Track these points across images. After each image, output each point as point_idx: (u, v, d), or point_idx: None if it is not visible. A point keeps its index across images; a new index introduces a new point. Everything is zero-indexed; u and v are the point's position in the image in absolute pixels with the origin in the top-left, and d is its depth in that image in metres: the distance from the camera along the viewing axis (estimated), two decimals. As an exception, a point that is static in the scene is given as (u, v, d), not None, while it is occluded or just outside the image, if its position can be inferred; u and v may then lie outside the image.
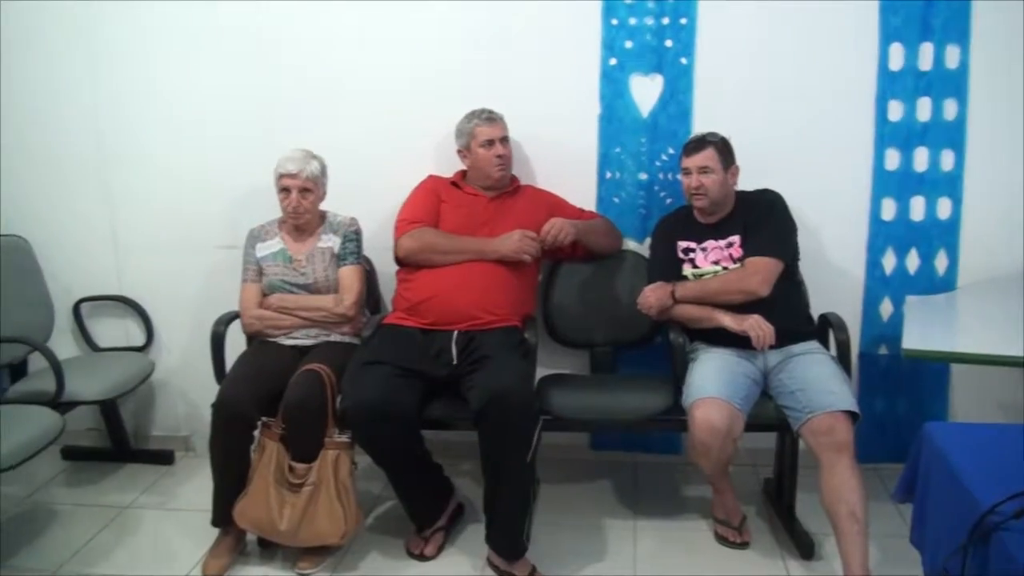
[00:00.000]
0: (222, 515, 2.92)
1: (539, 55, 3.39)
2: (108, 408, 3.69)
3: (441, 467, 3.06)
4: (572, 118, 3.42)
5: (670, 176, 3.39)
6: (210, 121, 3.60)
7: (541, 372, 3.19)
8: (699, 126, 3.29)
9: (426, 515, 3.00)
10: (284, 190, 3.11)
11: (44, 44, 3.58)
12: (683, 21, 3.29)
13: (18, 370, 3.57)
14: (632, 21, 3.31)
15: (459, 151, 3.29)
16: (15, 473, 2.85)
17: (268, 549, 3.00)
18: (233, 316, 3.25)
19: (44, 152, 3.69)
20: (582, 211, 3.37)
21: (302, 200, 3.11)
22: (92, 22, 3.55)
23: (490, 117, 3.23)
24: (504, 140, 3.23)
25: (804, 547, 2.94)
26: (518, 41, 3.39)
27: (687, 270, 3.09)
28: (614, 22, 3.32)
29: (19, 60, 3.61)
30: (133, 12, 3.52)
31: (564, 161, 3.47)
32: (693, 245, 3.09)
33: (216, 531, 2.99)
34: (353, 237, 3.22)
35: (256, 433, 2.92)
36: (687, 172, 3.04)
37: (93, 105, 3.61)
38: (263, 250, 3.20)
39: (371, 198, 3.43)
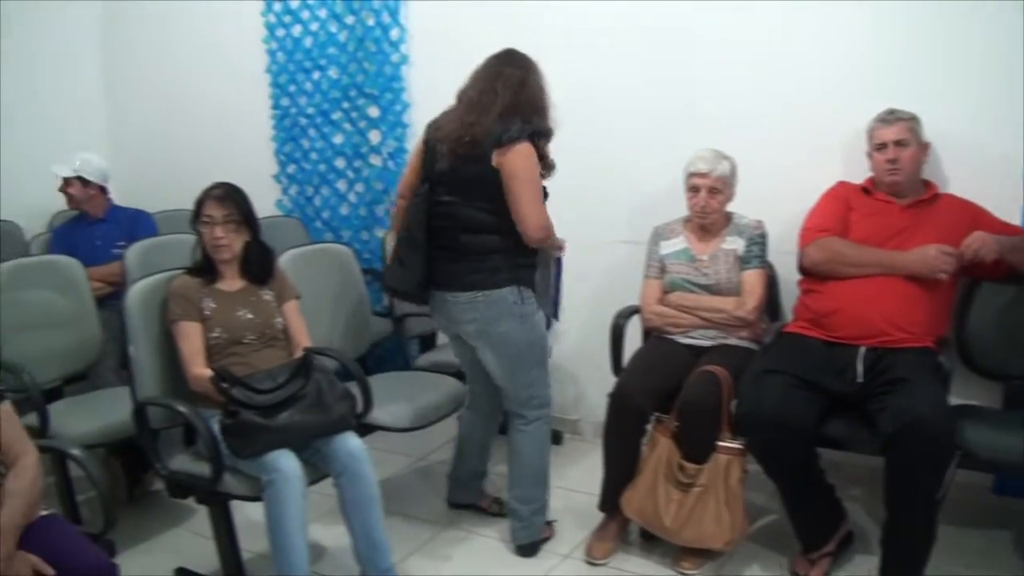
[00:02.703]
0: (610, 501, 3.00)
1: (952, 47, 3.10)
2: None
3: (834, 488, 2.91)
4: (992, 117, 3.07)
5: None
6: (620, 120, 3.69)
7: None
8: None
9: (815, 536, 2.85)
10: (693, 189, 3.12)
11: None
12: None
13: (427, 341, 3.90)
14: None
15: (867, 154, 3.11)
16: (418, 435, 3.12)
17: (650, 541, 3.03)
18: (633, 310, 3.31)
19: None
20: (1006, 225, 3.01)
21: (710, 200, 3.10)
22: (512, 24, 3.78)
23: (887, 118, 3.01)
24: (900, 143, 2.98)
25: None
26: (929, 34, 3.13)
27: None
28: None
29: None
30: (559, 11, 3.69)
31: (983, 166, 3.13)
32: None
33: (601, 515, 3.07)
34: (759, 240, 3.15)
35: (649, 427, 2.95)
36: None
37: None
38: (667, 248, 3.22)
39: (776, 201, 3.31)
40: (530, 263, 2.90)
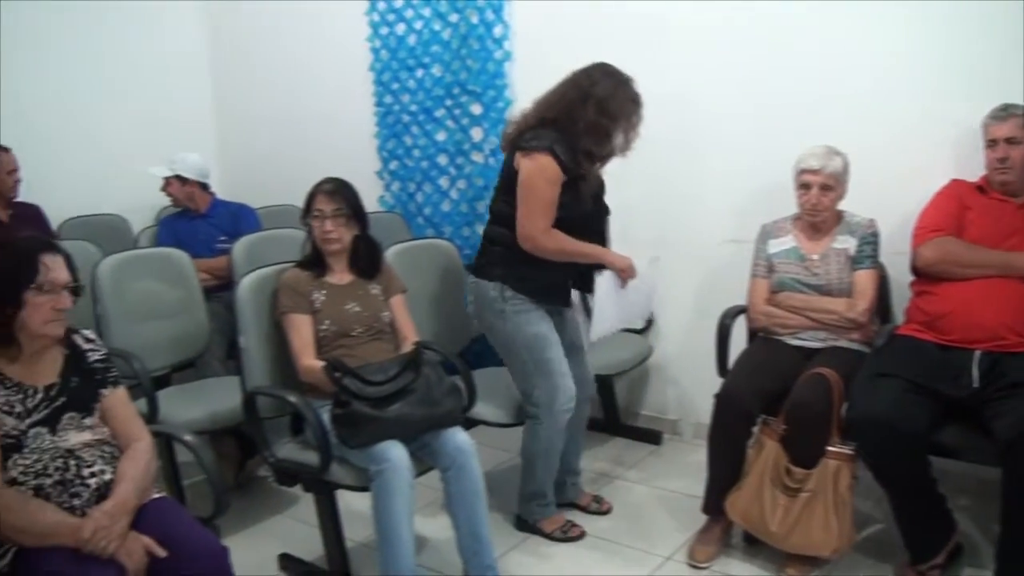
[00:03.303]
0: (714, 504, 2.96)
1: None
2: (604, 383, 3.89)
3: (945, 498, 2.81)
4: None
5: None
6: (725, 115, 3.64)
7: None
8: None
9: (924, 547, 2.75)
10: (804, 186, 3.05)
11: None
12: None
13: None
14: None
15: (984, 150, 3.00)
16: (517, 431, 3.14)
17: (753, 546, 2.97)
18: (740, 310, 3.26)
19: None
20: None
21: (822, 197, 3.03)
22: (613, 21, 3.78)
23: (1000, 114, 2.89)
24: (1011, 141, 2.86)
25: None
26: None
27: None
28: None
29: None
30: (661, 8, 3.68)
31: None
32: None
33: (704, 518, 3.03)
34: (871, 240, 3.07)
35: (755, 429, 2.90)
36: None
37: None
38: (775, 247, 3.16)
39: (888, 199, 3.22)
40: (534, 266, 2.91)
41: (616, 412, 4.04)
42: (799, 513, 2.72)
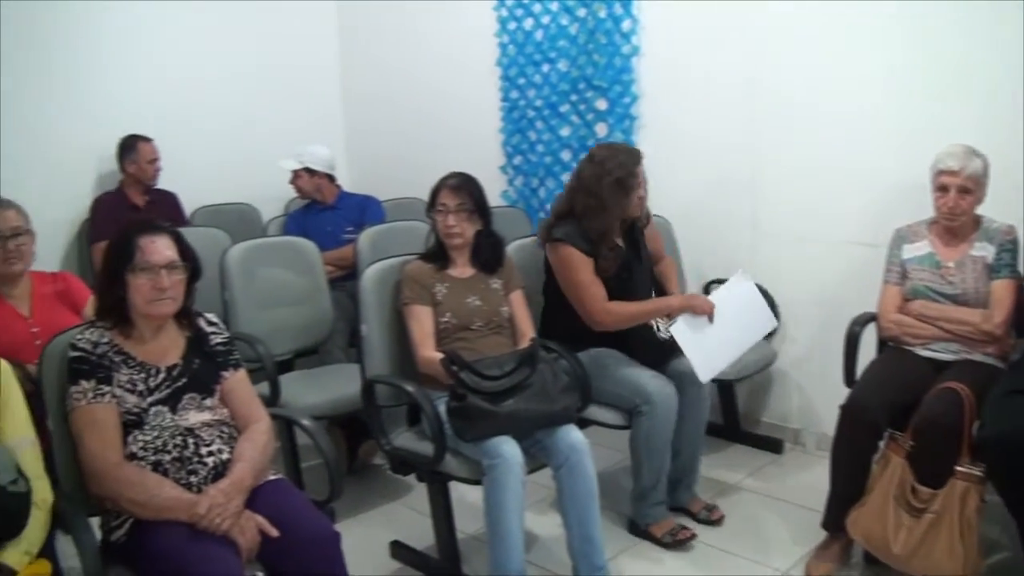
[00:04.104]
0: (834, 520, 2.84)
1: None
2: (725, 387, 3.81)
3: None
4: None
5: None
6: (855, 114, 3.51)
7: None
8: None
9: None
10: (941, 188, 2.90)
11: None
12: None
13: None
14: None
15: None
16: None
17: (873, 566, 2.85)
18: (870, 317, 3.13)
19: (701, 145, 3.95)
20: None
21: (960, 200, 2.87)
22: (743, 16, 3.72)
23: None
24: None
25: None
26: None
27: None
28: None
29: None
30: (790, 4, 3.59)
31: None
32: None
33: (823, 533, 2.92)
34: (1010, 247, 2.90)
35: (882, 443, 2.79)
36: None
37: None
38: (909, 252, 3.02)
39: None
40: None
41: (736, 418, 3.94)
42: (923, 535, 2.58)
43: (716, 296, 3.15)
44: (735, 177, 3.86)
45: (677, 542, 3.06)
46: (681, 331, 3.02)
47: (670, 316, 3.09)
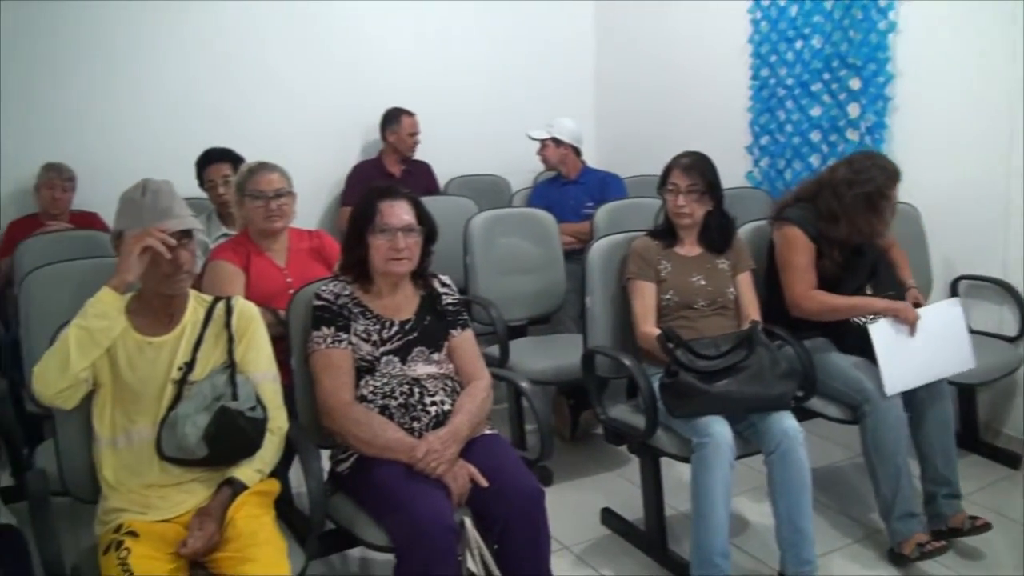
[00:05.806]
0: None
1: None
2: (966, 392, 3.59)
3: None
4: None
5: None
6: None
7: None
8: None
9: None
10: None
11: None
12: None
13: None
14: None
15: None
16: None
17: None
18: None
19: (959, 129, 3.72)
20: None
21: None
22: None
23: None
24: None
25: None
26: None
27: None
28: None
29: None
30: None
31: None
32: None
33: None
34: None
35: None
36: None
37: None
38: None
39: None
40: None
41: (976, 426, 3.68)
42: None
43: (923, 312, 2.96)
44: (997, 169, 3.58)
45: (924, 555, 2.77)
46: (880, 331, 2.88)
47: (873, 316, 2.95)
